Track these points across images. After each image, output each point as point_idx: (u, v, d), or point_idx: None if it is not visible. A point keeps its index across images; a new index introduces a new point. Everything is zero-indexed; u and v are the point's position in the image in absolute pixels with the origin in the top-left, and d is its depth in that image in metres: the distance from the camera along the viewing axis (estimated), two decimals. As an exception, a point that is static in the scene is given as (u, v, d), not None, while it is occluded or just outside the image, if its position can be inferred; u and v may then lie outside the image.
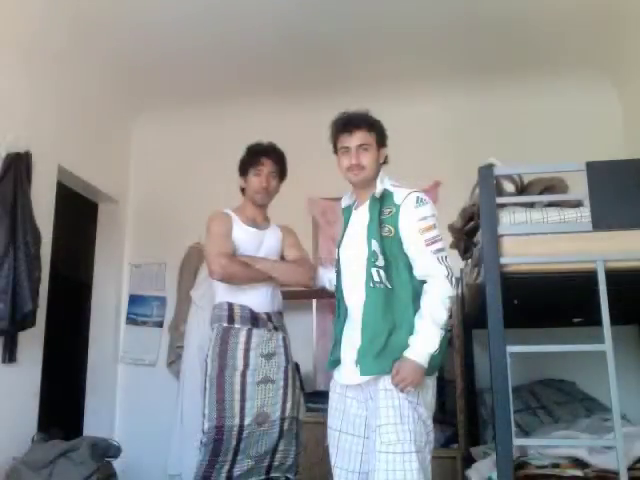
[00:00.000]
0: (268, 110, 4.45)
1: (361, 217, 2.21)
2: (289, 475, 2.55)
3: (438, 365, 2.11)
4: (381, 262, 2.09)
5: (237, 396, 2.42)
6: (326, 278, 2.58)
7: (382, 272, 2.08)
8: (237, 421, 2.41)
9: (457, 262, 2.93)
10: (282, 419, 2.48)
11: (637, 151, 3.44)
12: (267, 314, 2.56)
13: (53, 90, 3.69)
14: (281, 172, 2.72)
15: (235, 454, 2.42)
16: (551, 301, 2.81)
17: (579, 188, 2.28)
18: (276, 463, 2.51)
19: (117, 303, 4.50)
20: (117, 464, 3.28)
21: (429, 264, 2.07)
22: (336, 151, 2.29)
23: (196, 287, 4.15)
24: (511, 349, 2.13)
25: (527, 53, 3.99)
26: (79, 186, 4.14)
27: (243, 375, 2.45)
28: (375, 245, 2.10)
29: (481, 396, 3.74)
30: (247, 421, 2.42)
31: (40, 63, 3.52)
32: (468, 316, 3.40)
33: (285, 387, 2.51)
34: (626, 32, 3.66)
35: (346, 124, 2.22)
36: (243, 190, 2.73)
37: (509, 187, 2.42)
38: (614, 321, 2.12)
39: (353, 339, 2.12)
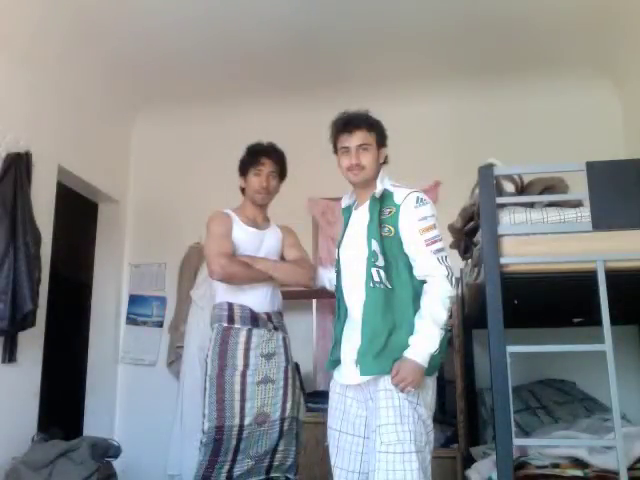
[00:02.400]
0: (268, 110, 4.46)
1: (361, 217, 2.21)
2: (289, 475, 2.55)
3: (438, 365, 2.11)
4: (381, 262, 2.08)
5: (237, 396, 2.42)
6: (326, 278, 2.58)
7: (382, 272, 2.08)
8: (237, 421, 2.40)
9: (457, 262, 2.93)
10: (282, 419, 2.48)
11: (637, 151, 3.44)
12: (267, 314, 2.56)
13: (53, 90, 3.69)
14: (281, 172, 2.72)
15: (235, 454, 2.42)
16: (551, 301, 2.81)
17: (579, 188, 2.28)
18: (276, 463, 2.51)
19: (117, 303, 4.50)
20: (117, 464, 3.28)
21: (429, 264, 2.06)
22: (336, 151, 2.28)
23: (196, 287, 4.16)
24: (511, 349, 2.13)
25: (527, 53, 3.99)
26: (79, 186, 4.14)
27: (243, 375, 2.45)
28: (375, 245, 2.10)
29: (481, 396, 3.73)
30: (247, 421, 2.42)
31: (40, 63, 3.52)
32: (468, 316, 3.40)
33: (285, 387, 2.51)
34: (626, 32, 3.66)
35: (346, 124, 2.22)
36: (243, 190, 2.73)
37: (509, 187, 2.42)
38: (614, 321, 2.12)
39: (353, 339, 2.12)
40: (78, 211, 4.52)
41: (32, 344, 3.30)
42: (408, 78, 4.29)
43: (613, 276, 2.12)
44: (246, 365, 2.46)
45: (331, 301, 2.73)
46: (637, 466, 2.26)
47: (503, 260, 2.19)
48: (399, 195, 2.14)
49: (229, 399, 2.41)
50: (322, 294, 3.17)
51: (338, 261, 2.31)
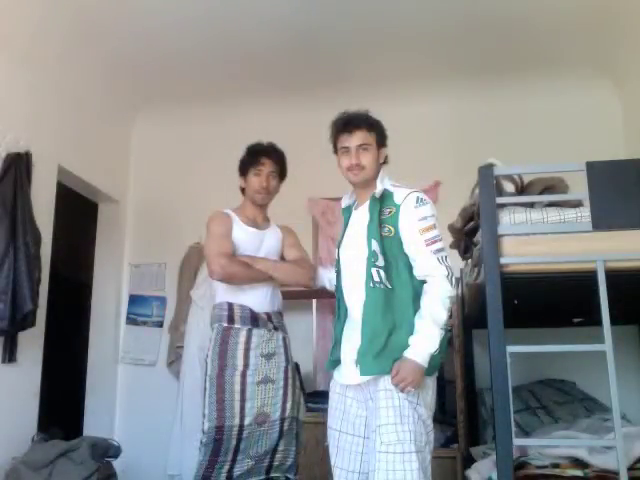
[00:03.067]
0: (268, 110, 4.46)
1: (361, 217, 2.21)
2: (289, 475, 2.55)
3: (438, 365, 2.11)
4: (381, 262, 2.08)
5: (237, 396, 2.42)
6: (326, 278, 2.58)
7: (382, 272, 2.08)
8: (237, 421, 2.40)
9: (457, 262, 2.93)
10: (282, 419, 2.48)
11: (637, 151, 3.44)
12: (267, 314, 2.56)
13: (53, 90, 3.69)
14: (281, 172, 2.72)
15: (235, 454, 2.42)
16: (551, 301, 2.81)
17: (579, 188, 2.28)
18: (276, 463, 2.51)
19: (117, 303, 4.50)
20: (117, 464, 3.28)
21: (429, 264, 2.06)
22: (336, 151, 2.29)
23: (196, 287, 4.16)
24: (511, 349, 2.13)
25: (527, 53, 3.99)
26: (79, 186, 4.14)
27: (243, 375, 2.45)
28: (375, 245, 2.10)
29: (481, 396, 3.74)
30: (247, 421, 2.42)
31: (40, 63, 3.51)
32: (468, 316, 3.40)
33: (285, 387, 2.51)
34: (626, 32, 3.66)
35: (346, 124, 2.22)
36: (243, 190, 2.73)
37: (509, 187, 2.42)
38: (614, 321, 2.12)
39: (353, 339, 2.12)
40: (78, 211, 4.53)
41: (32, 344, 3.30)
42: (408, 78, 4.29)
43: (613, 276, 2.12)
44: (246, 365, 2.46)
45: (331, 301, 2.73)
46: (637, 466, 2.26)
47: (503, 260, 2.19)
48: (399, 195, 2.14)
49: (229, 399, 2.41)
50: (322, 294, 3.17)
51: (338, 261, 2.31)
